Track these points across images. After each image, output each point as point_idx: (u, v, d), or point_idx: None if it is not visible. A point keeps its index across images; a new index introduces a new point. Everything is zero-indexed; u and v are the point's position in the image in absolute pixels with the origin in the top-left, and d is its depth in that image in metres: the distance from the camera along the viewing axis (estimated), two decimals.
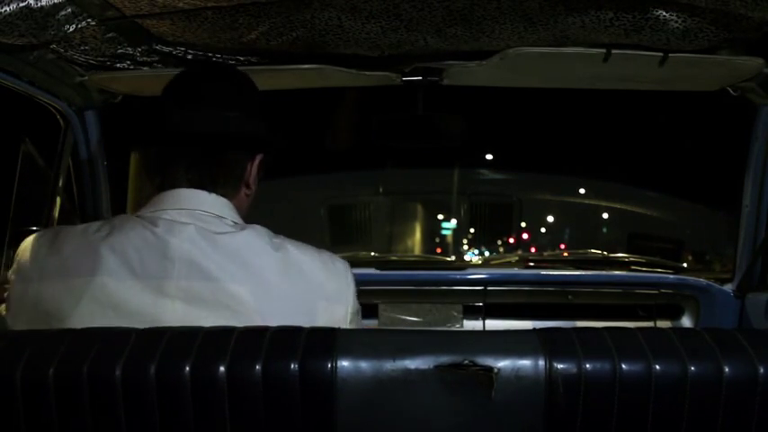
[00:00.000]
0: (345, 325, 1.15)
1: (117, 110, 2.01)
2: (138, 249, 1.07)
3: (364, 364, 0.89)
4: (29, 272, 1.10)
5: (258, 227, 1.15)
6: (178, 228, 1.09)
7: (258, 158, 1.22)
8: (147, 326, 0.95)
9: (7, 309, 1.13)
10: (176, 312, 1.05)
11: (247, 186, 1.22)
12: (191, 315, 1.05)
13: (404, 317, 2.18)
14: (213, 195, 1.16)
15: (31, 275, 1.09)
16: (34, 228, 1.82)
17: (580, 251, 2.47)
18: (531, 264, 2.41)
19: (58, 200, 1.98)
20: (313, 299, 1.12)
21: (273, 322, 0.98)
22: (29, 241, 1.14)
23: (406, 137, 2.02)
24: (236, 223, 1.15)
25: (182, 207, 1.13)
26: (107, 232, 1.09)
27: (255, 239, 1.12)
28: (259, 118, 1.23)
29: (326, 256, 1.18)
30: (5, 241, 1.87)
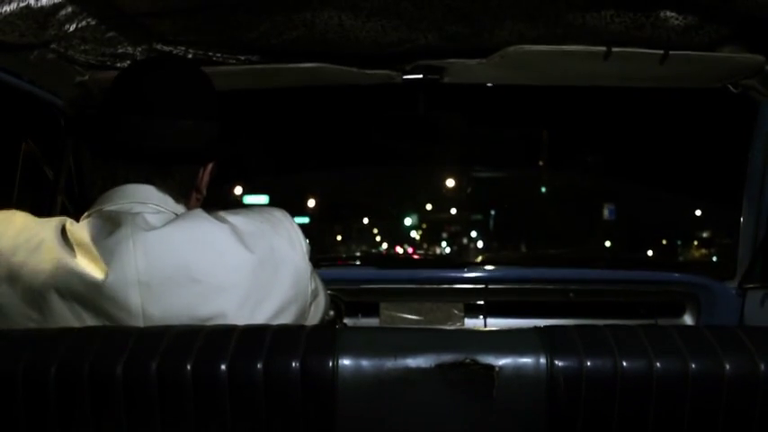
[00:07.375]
0: (306, 264, 1.12)
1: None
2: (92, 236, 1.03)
3: (365, 363, 0.89)
4: None
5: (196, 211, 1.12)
6: (128, 218, 1.06)
7: (210, 165, 1.20)
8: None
9: None
10: (137, 295, 1.01)
11: (198, 191, 1.19)
12: (155, 292, 1.01)
13: (405, 315, 2.18)
14: (164, 193, 1.12)
15: None
16: None
17: (581, 249, 2.48)
18: (533, 262, 2.41)
19: (59, 200, 1.98)
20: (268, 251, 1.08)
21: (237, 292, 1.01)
22: None
23: (406, 136, 2.02)
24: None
25: (133, 201, 1.10)
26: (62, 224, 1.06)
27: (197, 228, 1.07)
28: (213, 121, 1.18)
29: (261, 209, 1.15)
30: None
